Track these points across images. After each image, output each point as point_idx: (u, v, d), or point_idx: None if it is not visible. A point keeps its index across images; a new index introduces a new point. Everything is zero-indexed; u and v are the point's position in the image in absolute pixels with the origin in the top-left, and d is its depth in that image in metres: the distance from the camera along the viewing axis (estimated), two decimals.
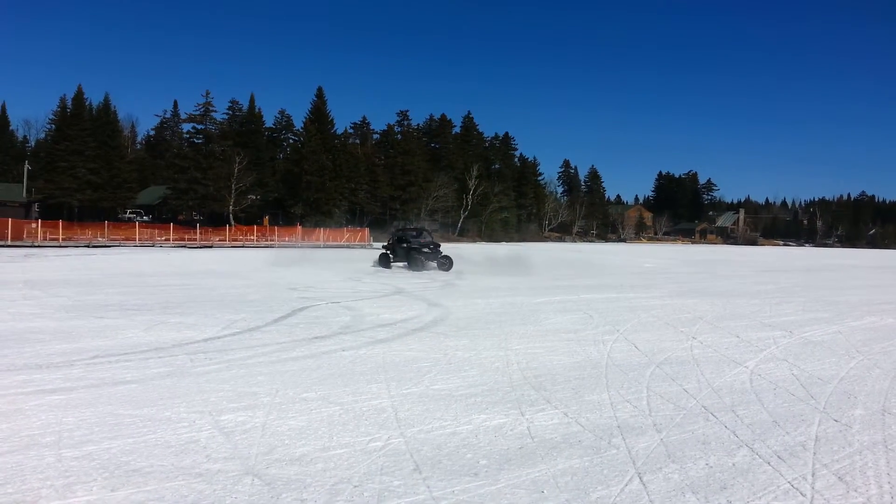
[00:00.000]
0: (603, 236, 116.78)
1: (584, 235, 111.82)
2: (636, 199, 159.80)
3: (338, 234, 58.25)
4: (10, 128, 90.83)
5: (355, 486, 3.91)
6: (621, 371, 7.25)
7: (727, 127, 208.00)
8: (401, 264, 24.71)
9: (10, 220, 43.89)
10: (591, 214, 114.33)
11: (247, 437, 4.79)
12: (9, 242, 39.38)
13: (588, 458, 4.51)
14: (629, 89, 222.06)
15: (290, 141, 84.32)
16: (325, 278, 19.91)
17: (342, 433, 4.92)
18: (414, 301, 14.00)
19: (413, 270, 23.20)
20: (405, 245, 24.66)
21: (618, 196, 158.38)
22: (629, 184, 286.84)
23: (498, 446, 4.70)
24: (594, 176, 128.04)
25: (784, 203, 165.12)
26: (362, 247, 54.70)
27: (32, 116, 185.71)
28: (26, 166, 66.15)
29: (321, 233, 56.09)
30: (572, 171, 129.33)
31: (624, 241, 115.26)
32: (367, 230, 60.63)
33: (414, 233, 26.44)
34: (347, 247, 53.39)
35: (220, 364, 7.20)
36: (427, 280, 19.84)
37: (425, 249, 24.08)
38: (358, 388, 6.28)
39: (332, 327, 10.03)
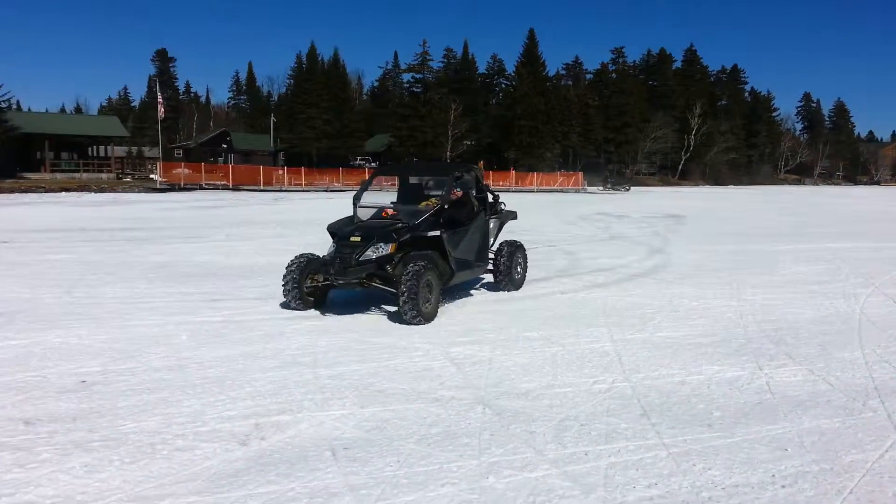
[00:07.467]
0: (851, 178, 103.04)
1: (827, 178, 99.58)
2: (893, 135, 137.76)
3: (551, 178, 57.98)
4: (257, 83, 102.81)
5: (582, 425, 3.94)
6: (878, 329, 6.42)
7: None
8: None
9: (261, 167, 50.00)
10: (836, 154, 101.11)
11: (475, 369, 5.04)
12: (261, 187, 44.77)
13: (839, 419, 4.09)
14: (882, 6, 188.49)
15: (503, 86, 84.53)
16: (539, 222, 20.01)
17: (566, 373, 4.97)
18: (632, 245, 13.57)
19: None
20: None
21: (870, 132, 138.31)
22: (885, 118, 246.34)
23: (733, 399, 4.43)
24: (841, 110, 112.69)
25: None
26: (576, 191, 53.99)
27: (274, 73, 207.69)
28: (272, 119, 74.54)
29: (534, 177, 56.23)
30: (814, 105, 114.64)
31: (878, 183, 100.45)
32: (580, 174, 59.58)
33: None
34: (561, 191, 53.02)
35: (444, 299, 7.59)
36: (644, 225, 19.08)
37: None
38: (578, 330, 6.28)
39: (549, 270, 10.09)
